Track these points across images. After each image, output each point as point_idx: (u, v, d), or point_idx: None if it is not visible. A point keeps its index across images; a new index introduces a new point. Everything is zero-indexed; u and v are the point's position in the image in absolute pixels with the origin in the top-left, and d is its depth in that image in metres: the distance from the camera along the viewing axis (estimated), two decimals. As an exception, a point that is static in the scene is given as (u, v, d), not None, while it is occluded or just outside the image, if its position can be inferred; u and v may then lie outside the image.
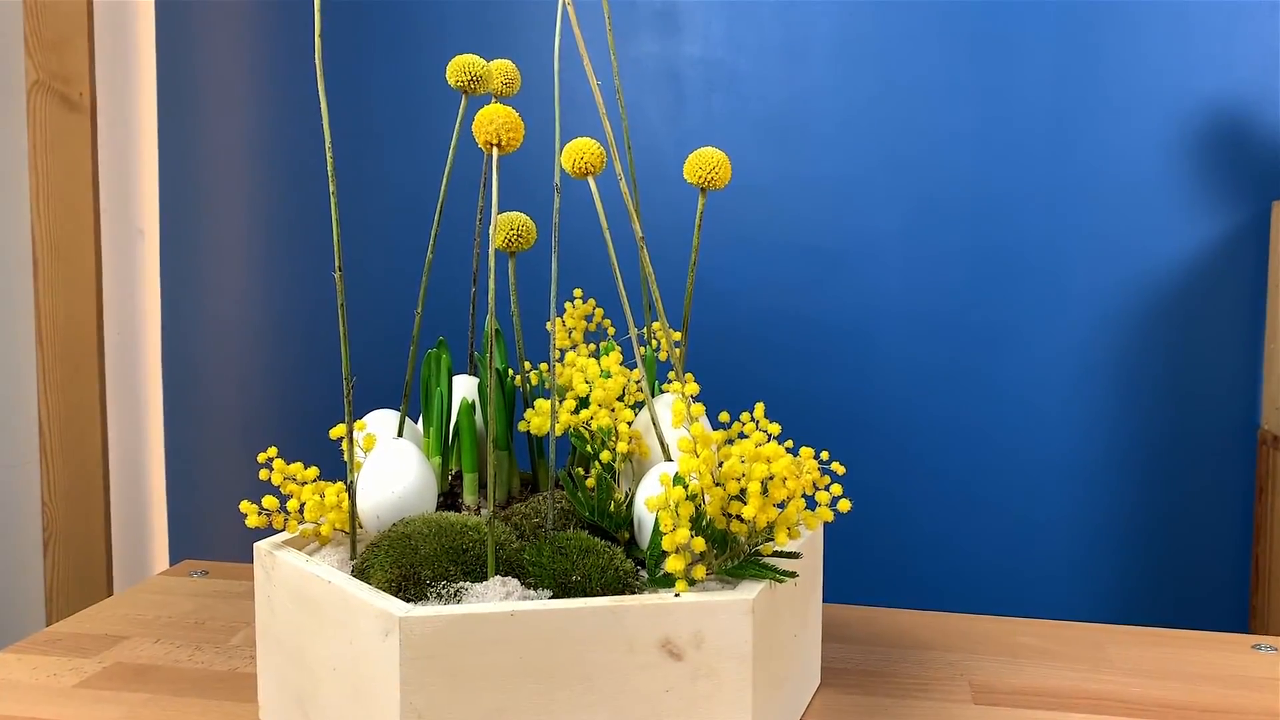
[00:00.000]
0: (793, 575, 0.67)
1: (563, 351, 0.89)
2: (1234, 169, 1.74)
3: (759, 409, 0.77)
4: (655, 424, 0.73)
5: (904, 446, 1.57)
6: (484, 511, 0.78)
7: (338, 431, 0.75)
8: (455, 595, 0.65)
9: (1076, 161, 1.68)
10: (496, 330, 0.81)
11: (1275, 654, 0.91)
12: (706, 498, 0.66)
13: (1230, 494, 1.71)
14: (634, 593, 0.66)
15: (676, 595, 0.64)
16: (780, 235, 1.59)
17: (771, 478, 0.65)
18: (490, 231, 0.74)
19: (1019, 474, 1.62)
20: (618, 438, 0.72)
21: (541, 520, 0.72)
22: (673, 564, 0.65)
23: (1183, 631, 0.96)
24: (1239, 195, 1.75)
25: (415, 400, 0.82)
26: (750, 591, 0.65)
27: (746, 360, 1.49)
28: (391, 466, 0.74)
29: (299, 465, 0.77)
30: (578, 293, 0.88)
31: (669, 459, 0.74)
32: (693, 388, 0.67)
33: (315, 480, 0.77)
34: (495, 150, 0.69)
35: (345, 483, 0.77)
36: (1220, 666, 0.87)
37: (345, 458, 0.75)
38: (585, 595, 0.65)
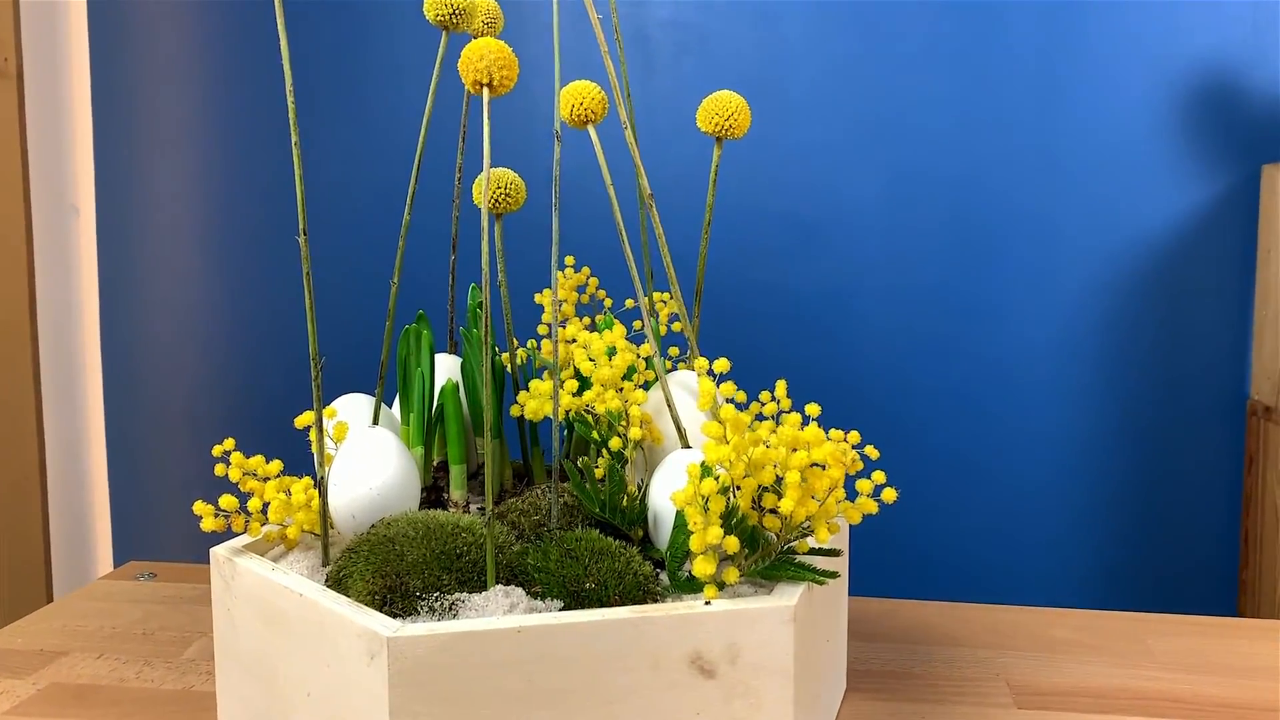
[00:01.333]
0: (833, 575, 0.59)
1: (552, 326, 0.80)
2: (1222, 132, 1.69)
3: (780, 387, 0.69)
4: (670, 406, 0.65)
5: (884, 419, 1.50)
6: (473, 508, 0.69)
7: (304, 420, 0.66)
8: (450, 609, 0.56)
9: (1061, 126, 1.63)
10: (480, 304, 0.72)
11: (1325, 642, 0.84)
12: (736, 490, 0.57)
13: (1219, 465, 1.67)
14: (656, 600, 0.58)
15: (707, 603, 0.56)
16: (755, 203, 1.51)
17: (810, 466, 0.57)
18: (483, 188, 0.65)
19: (1004, 446, 1.57)
20: (629, 422, 0.64)
21: (543, 518, 0.63)
22: (701, 567, 0.56)
23: (1223, 619, 0.89)
24: (1227, 159, 1.70)
25: (391, 383, 0.73)
26: (789, 596, 0.57)
27: (723, 332, 1.40)
28: (367, 459, 0.65)
29: (260, 459, 0.67)
30: (569, 260, 0.79)
31: (686, 446, 0.65)
32: (722, 364, 0.58)
33: (279, 476, 0.67)
34: (486, 92, 0.59)
35: (314, 478, 0.68)
36: (1268, 657, 0.81)
37: (314, 450, 0.66)
38: (601, 605, 0.56)
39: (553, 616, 0.54)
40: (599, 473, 0.64)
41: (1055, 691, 0.75)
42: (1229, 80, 1.71)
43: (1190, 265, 1.69)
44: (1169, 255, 1.70)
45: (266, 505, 0.65)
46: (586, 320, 0.79)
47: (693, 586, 0.59)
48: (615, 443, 0.64)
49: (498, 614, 0.55)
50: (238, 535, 0.67)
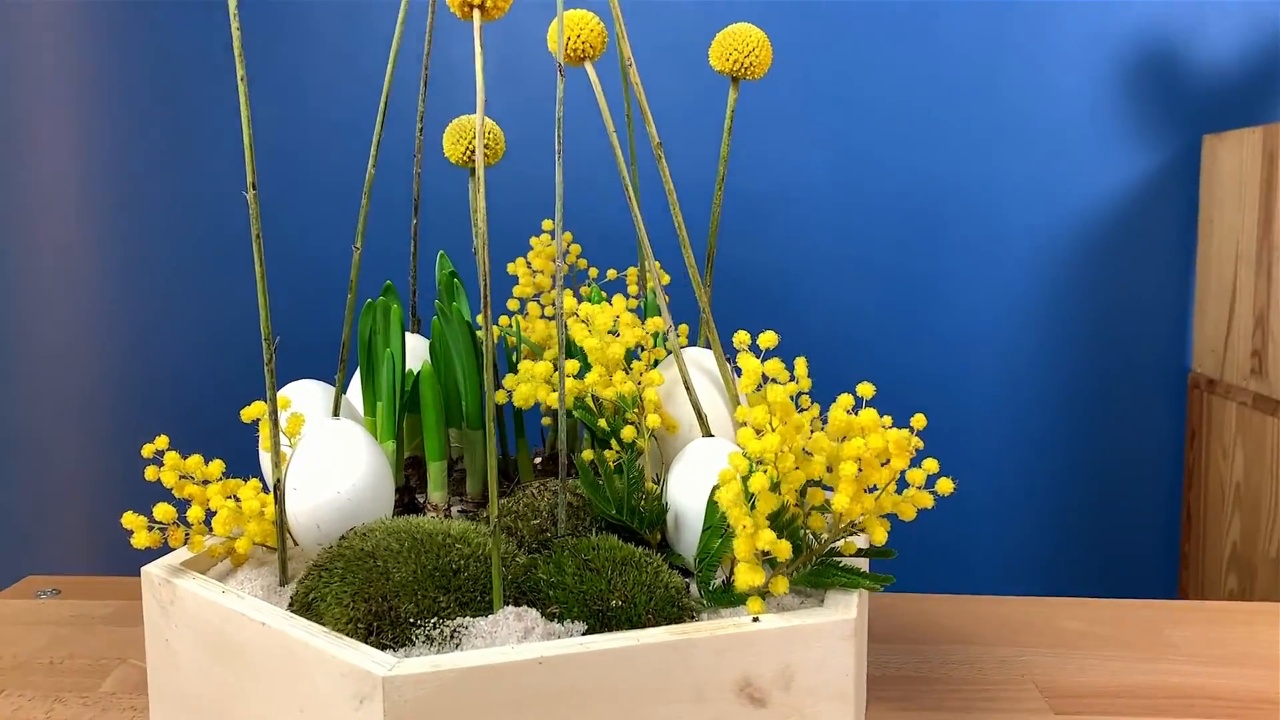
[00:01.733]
0: (889, 580, 0.51)
1: (523, 301, 0.71)
2: (1163, 104, 1.67)
3: (800, 365, 0.61)
4: (689, 389, 0.56)
5: (829, 391, 1.45)
6: (455, 511, 0.60)
7: (254, 411, 0.55)
8: (452, 638, 0.46)
9: (1004, 101, 1.60)
10: (453, 273, 0.62)
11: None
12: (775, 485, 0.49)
13: (1161, 439, 1.65)
14: (693, 617, 0.49)
15: (755, 619, 0.47)
16: (697, 177, 1.43)
17: (865, 456, 0.49)
18: (476, 135, 0.55)
19: (947, 417, 1.53)
20: (644, 410, 0.55)
21: (544, 522, 0.54)
22: (747, 577, 0.48)
23: (1230, 605, 0.85)
24: (1168, 131, 1.67)
25: (351, 366, 0.63)
26: (845, 608, 0.49)
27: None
28: (333, 457, 0.54)
29: (197, 460, 0.57)
30: (547, 224, 0.70)
31: (708, 434, 0.56)
32: (769, 338, 0.50)
33: (221, 479, 0.57)
34: (477, 15, 0.49)
35: (263, 481, 0.57)
36: (1299, 645, 0.76)
37: (264, 447, 0.55)
38: (631, 625, 0.48)
39: (578, 643, 0.45)
40: (610, 460, 0.55)
41: (1088, 693, 0.69)
42: (1169, 51, 1.68)
43: (1131, 238, 1.67)
44: (1110, 228, 1.67)
45: (210, 514, 0.55)
46: (570, 295, 0.70)
47: (731, 599, 0.50)
48: (628, 433, 0.55)
49: (511, 642, 0.46)
50: (167, 550, 0.56)
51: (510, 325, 0.67)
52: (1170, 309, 1.71)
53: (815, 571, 0.51)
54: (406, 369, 0.60)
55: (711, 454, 0.54)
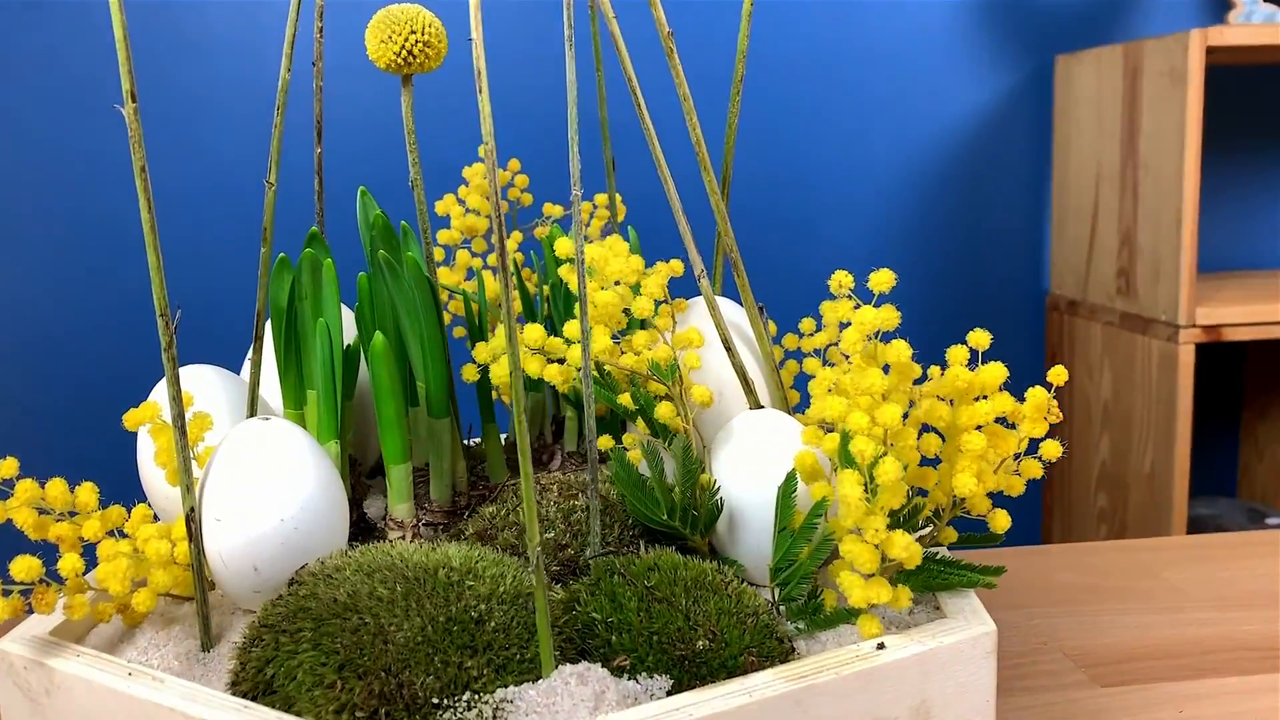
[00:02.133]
0: (1000, 571, 0.41)
1: (449, 250, 0.57)
2: (1014, 25, 1.64)
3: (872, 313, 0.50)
4: (729, 349, 0.44)
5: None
6: (417, 527, 0.46)
7: (142, 415, 0.40)
8: (497, 716, 0.33)
9: (856, 24, 1.54)
10: (379, 219, 0.47)
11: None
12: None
13: (1022, 361, 1.65)
14: (793, 652, 0.38)
15: (880, 647, 0.36)
16: (541, 114, 1.30)
17: (993, 423, 0.38)
18: (399, 31, 0.41)
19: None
20: (683, 382, 0.42)
21: (562, 536, 0.41)
22: (866, 593, 0.36)
23: (1217, 538, 0.80)
24: (1020, 52, 1.65)
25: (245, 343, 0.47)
26: (981, 618, 0.39)
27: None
28: (269, 472, 0.39)
29: (59, 485, 0.40)
30: (485, 149, 0.55)
31: (757, 405, 0.44)
32: (885, 277, 0.38)
33: (97, 510, 0.41)
34: None
35: (160, 511, 0.42)
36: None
37: (163, 461, 0.40)
38: (727, 672, 0.35)
39: (673, 708, 0.33)
40: (635, 456, 0.42)
41: (1122, 657, 0.62)
42: (1018, -28, 1.65)
43: (986, 162, 1.64)
44: (964, 153, 1.63)
45: (85, 566, 0.39)
46: (518, 236, 0.56)
47: (829, 620, 0.39)
48: (665, 410, 0.42)
49: (584, 715, 0.33)
50: (17, 618, 0.40)
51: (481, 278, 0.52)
52: (1026, 232, 1.70)
53: (927, 572, 0.40)
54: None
55: (766, 431, 0.42)
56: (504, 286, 0.34)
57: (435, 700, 0.33)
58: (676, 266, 0.45)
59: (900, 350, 0.36)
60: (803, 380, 0.48)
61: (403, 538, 0.44)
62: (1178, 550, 0.78)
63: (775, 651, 0.36)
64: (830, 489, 0.39)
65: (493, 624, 0.35)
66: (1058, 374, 0.38)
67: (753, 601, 0.38)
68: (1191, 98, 1.33)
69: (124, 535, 0.41)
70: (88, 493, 0.41)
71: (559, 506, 0.42)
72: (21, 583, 0.38)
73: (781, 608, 0.39)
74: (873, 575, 0.36)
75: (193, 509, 0.39)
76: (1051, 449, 0.42)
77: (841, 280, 0.38)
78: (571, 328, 0.43)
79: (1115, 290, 1.50)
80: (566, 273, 0.45)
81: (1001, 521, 0.40)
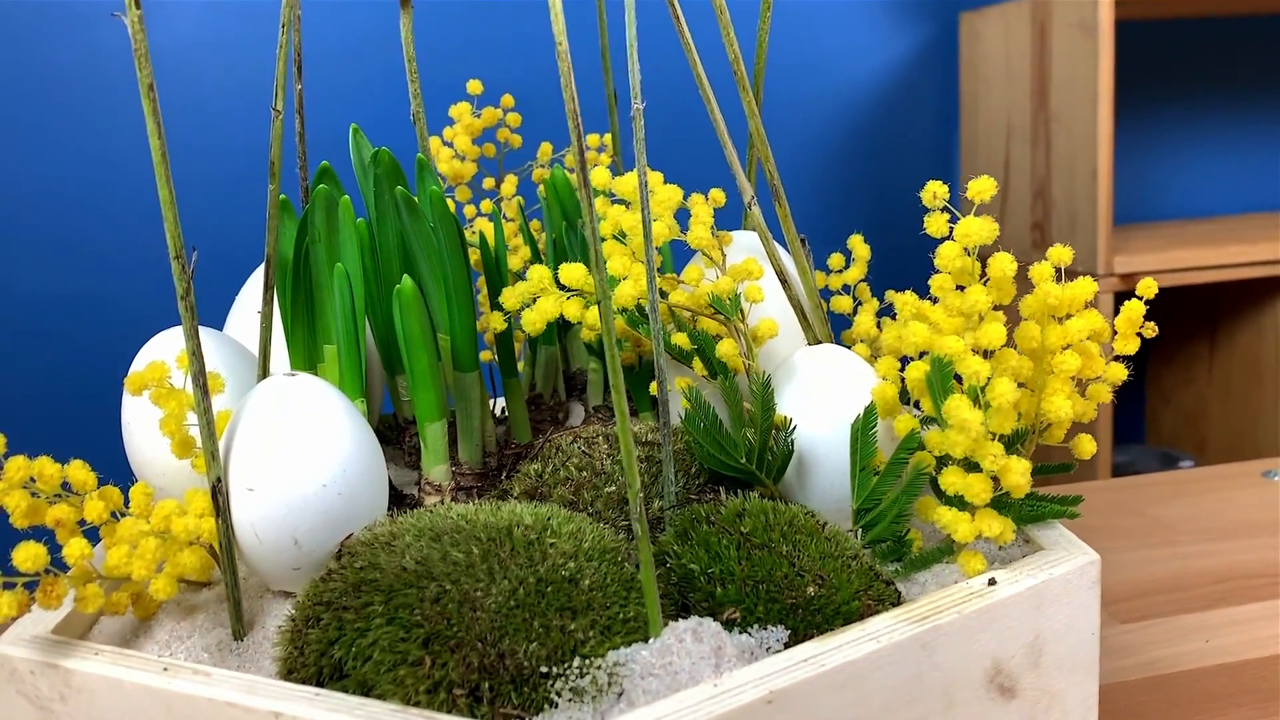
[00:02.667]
0: (1079, 502, 0.39)
1: (451, 188, 0.52)
2: (916, -17, 1.65)
3: (857, 244, 0.48)
4: (784, 282, 0.41)
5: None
6: (437, 488, 0.41)
7: (147, 378, 0.35)
8: (611, 685, 0.30)
9: None
10: (381, 154, 0.43)
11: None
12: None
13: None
14: (899, 595, 0.35)
15: (991, 583, 0.34)
16: (527, 45, 1.25)
17: (1084, 341, 0.36)
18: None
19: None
20: (745, 316, 0.39)
21: (622, 490, 0.38)
22: (972, 526, 0.34)
23: (1194, 472, 0.81)
24: (926, 8, 1.66)
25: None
26: (1083, 549, 0.37)
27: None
28: (305, 434, 0.35)
29: (46, 464, 0.35)
30: (474, 87, 0.51)
31: (816, 340, 0.42)
32: (985, 183, 0.35)
33: (96, 490, 0.36)
34: None
35: (156, 484, 0.37)
36: (1272, 507, 0.73)
37: (172, 429, 0.35)
38: (844, 619, 0.33)
39: (802, 658, 0.30)
40: (683, 402, 0.39)
41: (1135, 593, 0.62)
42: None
43: (893, 122, 1.65)
44: (872, 113, 1.64)
45: (88, 554, 0.34)
46: (513, 178, 0.52)
47: (923, 560, 0.37)
48: (727, 348, 0.39)
49: (706, 675, 0.30)
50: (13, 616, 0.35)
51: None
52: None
53: (1018, 504, 0.38)
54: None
55: (830, 366, 0.40)
56: (587, 205, 0.30)
57: (544, 669, 0.29)
58: (718, 196, 0.42)
59: (1004, 263, 0.34)
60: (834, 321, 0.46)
61: (440, 503, 0.40)
62: (1155, 488, 0.78)
63: (886, 595, 0.34)
64: (915, 421, 0.37)
65: (587, 582, 0.32)
66: (1147, 287, 0.37)
67: (850, 544, 0.35)
68: (1103, 49, 1.35)
69: (117, 516, 0.36)
70: (83, 470, 0.36)
71: (613, 459, 0.39)
72: (25, 574, 0.32)
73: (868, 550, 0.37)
74: (982, 507, 0.34)
75: (219, 479, 0.34)
76: (1117, 372, 0.40)
77: (936, 191, 0.36)
78: (617, 265, 0.39)
79: (1030, 244, 1.52)
80: (602, 205, 0.41)
81: (1087, 447, 0.38)
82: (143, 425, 0.39)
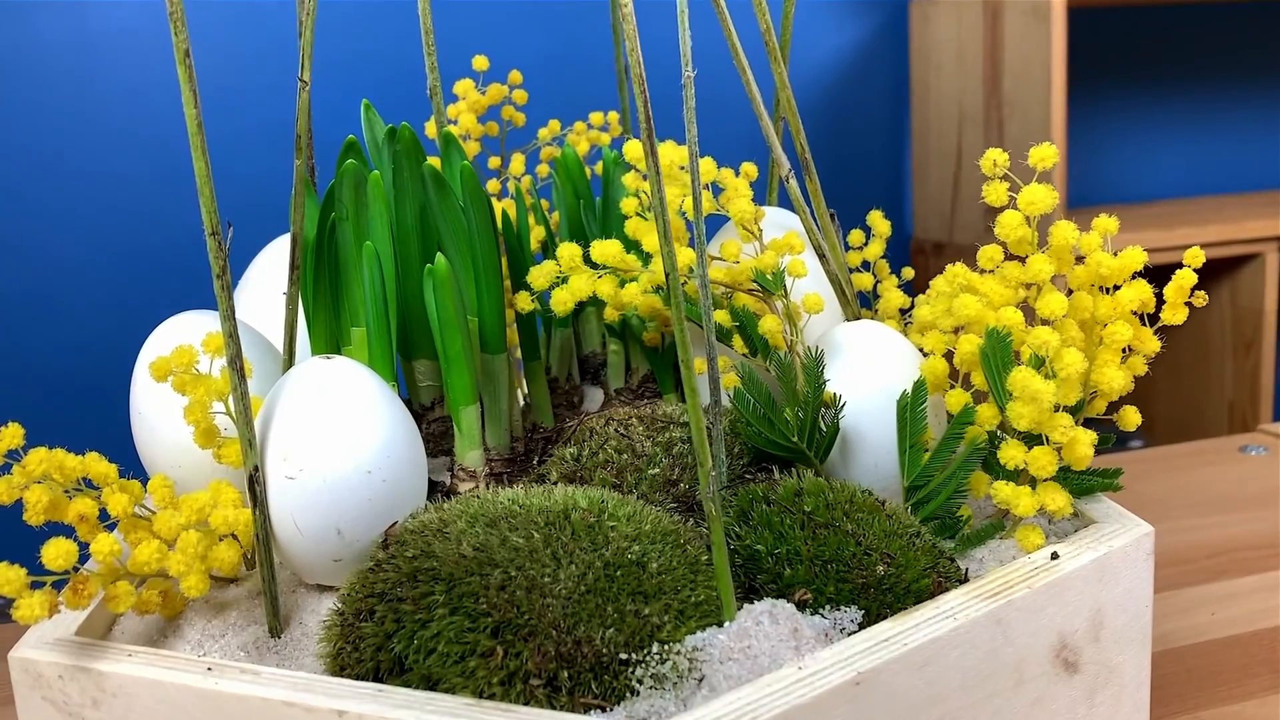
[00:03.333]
0: (1120, 474, 0.39)
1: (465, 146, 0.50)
2: (869, -32, 1.66)
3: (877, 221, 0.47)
4: (822, 257, 0.40)
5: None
6: (471, 475, 0.40)
7: (174, 363, 0.33)
8: (692, 671, 0.28)
9: None
10: (402, 129, 0.41)
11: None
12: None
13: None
14: (961, 572, 0.34)
15: (1054, 557, 0.34)
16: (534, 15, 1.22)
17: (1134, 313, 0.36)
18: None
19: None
20: (788, 291, 0.38)
21: (668, 471, 0.37)
22: (1033, 500, 0.34)
23: (1173, 448, 0.82)
24: (875, -4, 1.67)
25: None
26: (1135, 521, 0.37)
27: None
28: (346, 418, 0.33)
29: (68, 455, 0.33)
30: (479, 63, 0.50)
31: (853, 316, 0.41)
32: (1046, 151, 0.34)
33: (117, 482, 0.34)
34: None
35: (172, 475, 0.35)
36: (1255, 481, 0.74)
37: (196, 417, 0.33)
38: (915, 598, 0.32)
39: (882, 637, 0.29)
40: (731, 380, 0.38)
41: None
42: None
43: (844, 111, 1.65)
44: (822, 103, 1.64)
45: (115, 549, 0.32)
46: (521, 156, 0.50)
47: (978, 536, 0.36)
48: (770, 324, 0.38)
49: (788, 659, 0.29)
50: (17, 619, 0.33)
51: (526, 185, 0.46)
52: (887, 178, 1.72)
53: (1075, 477, 0.37)
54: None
55: (873, 342, 0.39)
56: (654, 173, 0.29)
57: (623, 656, 0.28)
58: (751, 170, 0.41)
59: (1067, 231, 0.33)
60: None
61: (474, 489, 0.38)
62: (1140, 464, 0.79)
63: (952, 572, 0.33)
64: (967, 396, 0.36)
65: (654, 565, 0.30)
66: (1195, 256, 0.36)
67: (910, 522, 0.34)
68: (1056, 34, 1.36)
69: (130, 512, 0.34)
70: (101, 463, 0.34)
71: (654, 440, 0.38)
72: (56, 573, 0.30)
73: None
74: (1045, 481, 0.34)
75: (256, 468, 0.32)
76: (1151, 343, 0.40)
77: (996, 159, 0.35)
78: (653, 240, 0.38)
79: (984, 229, 1.53)
80: (633, 180, 0.40)
81: (1132, 418, 0.38)
82: (159, 415, 0.37)
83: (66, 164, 1.21)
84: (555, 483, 0.38)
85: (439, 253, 0.36)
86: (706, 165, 0.39)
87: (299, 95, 0.35)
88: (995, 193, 0.34)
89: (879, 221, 0.47)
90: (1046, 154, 0.34)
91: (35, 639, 0.32)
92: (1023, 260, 0.35)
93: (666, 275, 0.29)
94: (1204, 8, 1.68)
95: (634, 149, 0.39)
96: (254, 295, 0.45)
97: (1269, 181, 1.76)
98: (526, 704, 0.27)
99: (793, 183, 0.39)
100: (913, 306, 0.44)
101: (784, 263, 0.38)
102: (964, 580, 0.33)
